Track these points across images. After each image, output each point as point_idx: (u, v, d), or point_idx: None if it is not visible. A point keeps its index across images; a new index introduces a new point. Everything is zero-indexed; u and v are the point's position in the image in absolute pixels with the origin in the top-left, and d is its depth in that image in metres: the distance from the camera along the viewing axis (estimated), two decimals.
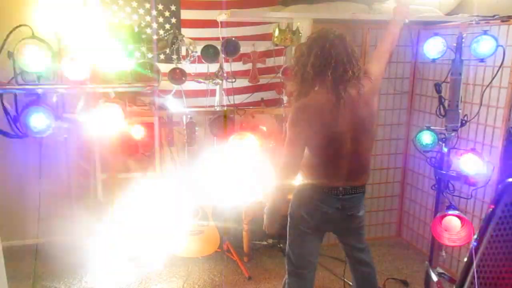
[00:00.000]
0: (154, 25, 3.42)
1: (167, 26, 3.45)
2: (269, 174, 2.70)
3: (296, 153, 2.05)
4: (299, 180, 2.16)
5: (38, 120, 1.95)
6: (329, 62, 1.96)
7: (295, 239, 2.23)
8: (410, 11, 3.19)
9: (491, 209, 1.06)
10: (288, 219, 2.24)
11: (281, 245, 2.28)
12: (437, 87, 2.46)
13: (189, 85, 3.27)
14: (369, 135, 2.13)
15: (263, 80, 3.47)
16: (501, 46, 2.30)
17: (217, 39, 3.14)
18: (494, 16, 2.78)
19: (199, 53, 3.06)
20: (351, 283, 2.54)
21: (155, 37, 3.35)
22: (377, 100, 2.20)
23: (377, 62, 2.25)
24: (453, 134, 2.46)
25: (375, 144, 3.50)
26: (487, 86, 2.67)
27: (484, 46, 2.29)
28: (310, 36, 2.09)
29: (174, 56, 3.06)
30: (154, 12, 3.40)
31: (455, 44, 2.39)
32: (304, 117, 2.01)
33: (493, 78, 2.57)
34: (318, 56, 1.97)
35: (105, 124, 2.12)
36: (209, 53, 2.99)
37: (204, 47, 3.00)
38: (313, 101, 2.03)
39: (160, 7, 3.41)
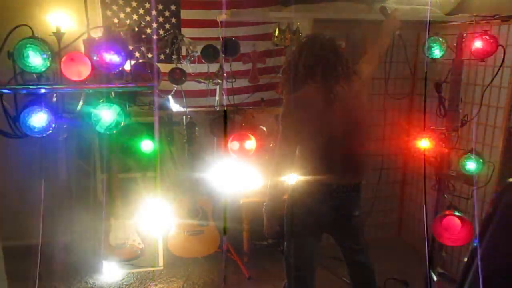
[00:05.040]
0: (154, 25, 3.42)
1: (167, 26, 3.45)
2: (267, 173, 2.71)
3: (289, 147, 2.08)
4: (294, 179, 2.17)
5: (37, 120, 1.95)
6: (319, 61, 2.04)
7: (292, 240, 2.23)
8: (410, 11, 3.21)
9: (491, 209, 1.06)
10: (284, 219, 2.24)
11: (281, 247, 2.29)
12: (437, 87, 2.47)
13: (189, 85, 3.27)
14: (360, 130, 2.15)
15: (263, 80, 3.47)
16: (501, 46, 2.31)
17: (217, 39, 3.14)
18: (494, 16, 2.78)
19: (199, 53, 3.06)
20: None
21: (155, 37, 3.35)
22: (367, 99, 2.24)
23: (367, 64, 2.33)
24: (453, 134, 2.46)
25: (375, 144, 3.50)
26: (487, 86, 2.67)
27: (484, 46, 2.29)
28: (301, 40, 2.17)
29: (174, 56, 3.05)
30: (154, 12, 3.40)
31: (455, 44, 2.40)
32: (295, 110, 2.07)
33: (493, 78, 2.57)
34: (309, 56, 2.06)
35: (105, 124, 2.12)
36: (209, 53, 2.99)
37: (204, 47, 3.00)
38: (304, 95, 2.07)
39: (160, 7, 3.41)
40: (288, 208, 2.21)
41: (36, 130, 1.96)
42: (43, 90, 1.99)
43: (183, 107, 3.27)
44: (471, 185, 2.43)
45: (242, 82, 3.46)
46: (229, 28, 3.34)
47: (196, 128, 3.21)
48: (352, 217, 2.20)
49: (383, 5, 2.82)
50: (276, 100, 3.58)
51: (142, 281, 3.20)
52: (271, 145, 3.31)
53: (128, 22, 3.26)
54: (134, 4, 3.35)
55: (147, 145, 3.04)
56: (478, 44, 2.31)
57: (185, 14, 3.47)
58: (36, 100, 1.97)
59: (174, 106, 3.32)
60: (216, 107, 3.41)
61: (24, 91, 1.97)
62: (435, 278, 2.56)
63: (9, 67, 1.93)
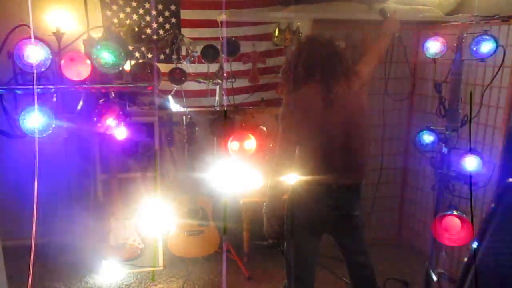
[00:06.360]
0: (154, 25, 3.42)
1: (167, 26, 3.45)
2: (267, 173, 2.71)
3: (289, 147, 2.08)
4: (294, 179, 2.17)
5: (37, 120, 1.95)
6: (319, 61, 2.05)
7: (291, 240, 2.23)
8: (410, 11, 3.22)
9: (491, 209, 1.06)
10: (284, 219, 2.24)
11: (281, 247, 2.30)
12: (437, 87, 2.46)
13: (189, 85, 3.27)
14: (360, 130, 2.15)
15: (263, 80, 3.47)
16: (501, 46, 2.30)
17: (217, 39, 3.14)
18: (494, 16, 2.78)
19: (199, 53, 3.06)
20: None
21: (155, 37, 3.35)
22: (367, 99, 2.24)
23: (366, 64, 2.33)
24: (453, 134, 2.46)
25: (375, 144, 3.50)
26: (487, 86, 2.67)
27: (484, 46, 2.29)
28: (300, 40, 2.17)
29: (174, 56, 3.06)
30: (154, 12, 3.40)
31: (455, 44, 2.39)
32: (295, 110, 2.07)
33: (493, 78, 2.57)
34: (308, 56, 2.06)
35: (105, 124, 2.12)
36: (209, 53, 2.99)
37: (204, 47, 3.00)
38: (303, 95, 2.08)
39: (160, 7, 3.41)
40: (288, 208, 2.21)
41: (35, 130, 1.96)
42: (42, 90, 1.99)
43: (183, 107, 3.27)
44: (471, 185, 2.42)
45: (242, 82, 3.46)
46: (229, 28, 3.34)
47: (196, 128, 3.21)
48: (352, 217, 2.20)
49: (383, 7, 2.82)
50: (276, 100, 3.58)
51: (142, 281, 3.20)
52: (271, 145, 3.31)
53: (128, 22, 3.26)
54: (134, 4, 3.35)
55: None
56: (478, 44, 2.30)
57: (185, 14, 3.47)
58: (36, 100, 1.97)
59: (174, 106, 3.32)
60: (216, 107, 3.41)
61: (24, 91, 1.97)
62: (435, 278, 2.56)
63: (9, 67, 1.93)
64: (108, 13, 3.30)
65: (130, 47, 2.99)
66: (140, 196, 3.26)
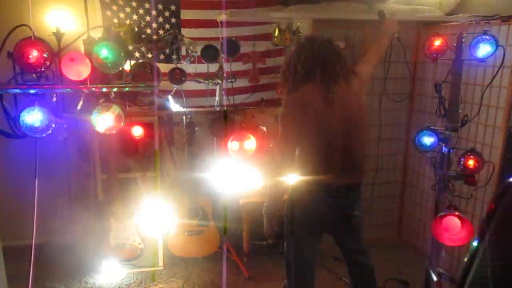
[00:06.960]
0: (154, 25, 3.42)
1: (167, 26, 3.45)
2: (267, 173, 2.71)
3: (289, 147, 2.08)
4: (293, 179, 2.17)
5: (37, 120, 1.95)
6: (318, 61, 2.06)
7: (291, 240, 2.23)
8: (410, 11, 3.22)
9: (491, 209, 1.06)
10: (284, 220, 2.24)
11: (280, 249, 2.31)
12: (437, 87, 2.46)
13: (189, 85, 3.27)
14: (359, 130, 2.15)
15: (263, 80, 3.47)
16: (501, 46, 2.30)
17: (217, 39, 3.14)
18: (494, 16, 2.78)
19: (199, 53, 3.06)
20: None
21: (155, 37, 3.35)
22: (366, 99, 2.25)
23: (365, 65, 2.35)
24: (453, 134, 2.45)
25: (375, 144, 3.50)
26: (487, 86, 2.67)
27: (483, 48, 2.29)
28: (299, 41, 2.18)
29: (174, 56, 3.05)
30: (154, 12, 3.40)
31: (455, 44, 2.39)
32: (294, 110, 2.07)
33: (493, 78, 2.57)
34: (308, 56, 2.07)
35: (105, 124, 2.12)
36: (209, 53, 2.99)
37: (204, 47, 3.00)
38: (303, 95, 2.08)
39: (160, 7, 3.41)
40: (288, 208, 2.21)
41: (35, 130, 1.96)
42: (42, 90, 1.99)
43: (183, 107, 3.27)
44: (471, 185, 2.42)
45: (242, 82, 3.46)
46: (229, 28, 3.34)
47: (196, 128, 3.22)
48: (352, 217, 2.20)
49: (381, 9, 2.83)
50: (276, 100, 3.58)
51: (142, 281, 3.20)
52: (271, 145, 3.31)
53: (128, 22, 3.26)
54: (134, 4, 3.35)
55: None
56: (478, 44, 2.30)
57: (185, 14, 3.47)
58: (36, 100, 1.97)
59: (174, 106, 3.32)
60: (216, 107, 3.40)
61: (24, 91, 1.97)
62: (435, 278, 2.55)
63: (9, 67, 1.93)
64: (108, 13, 3.30)
65: (130, 47, 2.99)
66: (140, 196, 3.26)
